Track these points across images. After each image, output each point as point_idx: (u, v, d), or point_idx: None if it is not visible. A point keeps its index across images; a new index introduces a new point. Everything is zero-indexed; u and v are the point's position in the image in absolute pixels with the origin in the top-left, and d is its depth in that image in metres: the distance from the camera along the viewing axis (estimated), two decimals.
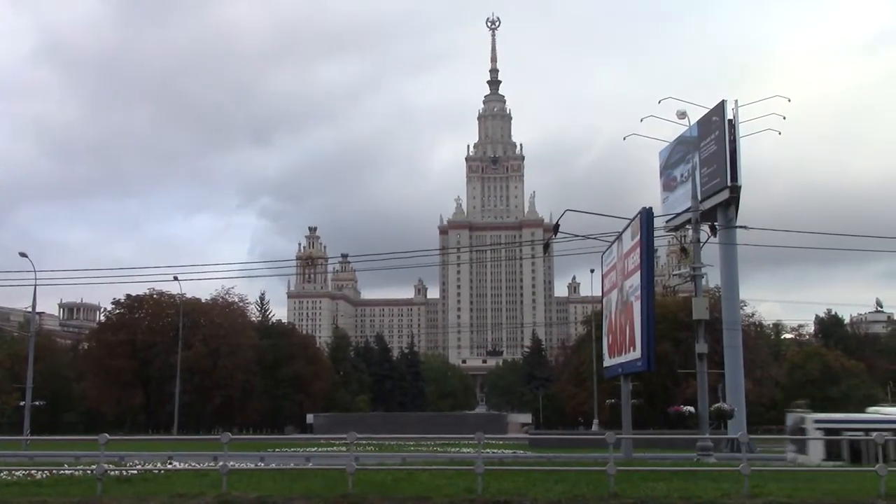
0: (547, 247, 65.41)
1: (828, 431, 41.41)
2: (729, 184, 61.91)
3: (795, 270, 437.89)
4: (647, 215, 46.53)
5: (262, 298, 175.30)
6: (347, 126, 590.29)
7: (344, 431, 30.62)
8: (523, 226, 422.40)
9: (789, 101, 62.32)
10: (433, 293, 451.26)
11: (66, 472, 31.72)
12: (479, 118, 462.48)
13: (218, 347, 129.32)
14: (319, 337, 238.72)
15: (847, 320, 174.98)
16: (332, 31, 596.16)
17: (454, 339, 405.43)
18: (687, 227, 60.56)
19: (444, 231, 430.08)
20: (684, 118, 63.03)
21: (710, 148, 63.87)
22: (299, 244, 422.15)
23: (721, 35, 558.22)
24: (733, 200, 62.83)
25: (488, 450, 53.77)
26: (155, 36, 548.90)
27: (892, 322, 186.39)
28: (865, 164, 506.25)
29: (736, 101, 62.89)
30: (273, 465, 37.03)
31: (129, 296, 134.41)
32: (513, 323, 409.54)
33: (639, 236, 46.77)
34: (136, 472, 31.76)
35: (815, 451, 42.18)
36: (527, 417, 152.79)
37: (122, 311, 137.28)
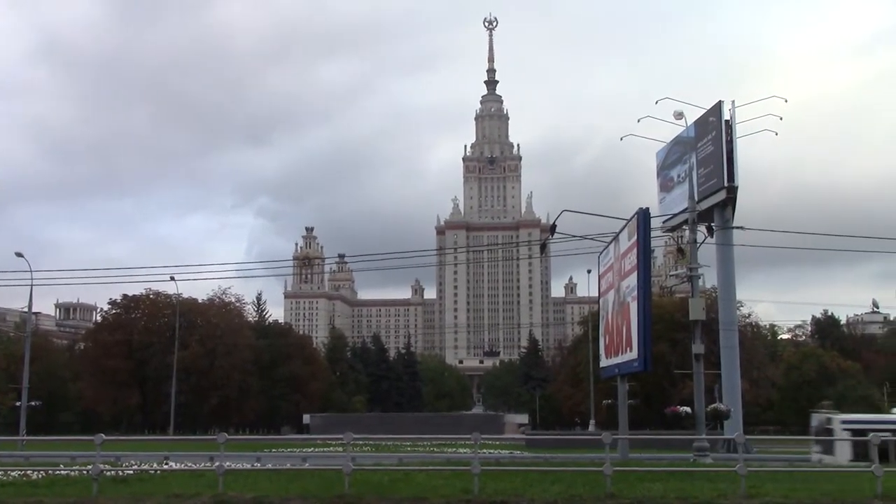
0: (544, 247, 65.31)
1: (855, 432, 41.35)
2: (726, 184, 62.04)
3: (792, 271, 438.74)
4: (643, 216, 46.51)
5: (258, 298, 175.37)
6: (344, 126, 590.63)
7: (340, 432, 30.56)
8: (520, 226, 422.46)
9: (786, 101, 62.50)
10: (430, 293, 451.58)
11: (62, 472, 31.68)
12: (476, 118, 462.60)
13: (214, 347, 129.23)
14: (316, 337, 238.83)
15: (843, 321, 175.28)
16: (329, 31, 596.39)
17: (451, 340, 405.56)
18: (684, 227, 60.62)
19: (441, 231, 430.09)
20: (681, 119, 63.21)
21: (707, 148, 63.95)
22: (296, 244, 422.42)
23: (719, 35, 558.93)
24: (730, 201, 62.93)
25: (485, 450, 53.73)
26: (152, 36, 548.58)
27: (889, 322, 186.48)
28: (862, 165, 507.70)
29: (733, 102, 63.12)
30: (269, 466, 36.99)
31: (125, 296, 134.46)
32: (509, 323, 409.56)
33: (635, 237, 46.74)
34: (132, 472, 31.72)
35: (843, 452, 42.09)
36: (523, 418, 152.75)
37: (118, 311, 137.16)
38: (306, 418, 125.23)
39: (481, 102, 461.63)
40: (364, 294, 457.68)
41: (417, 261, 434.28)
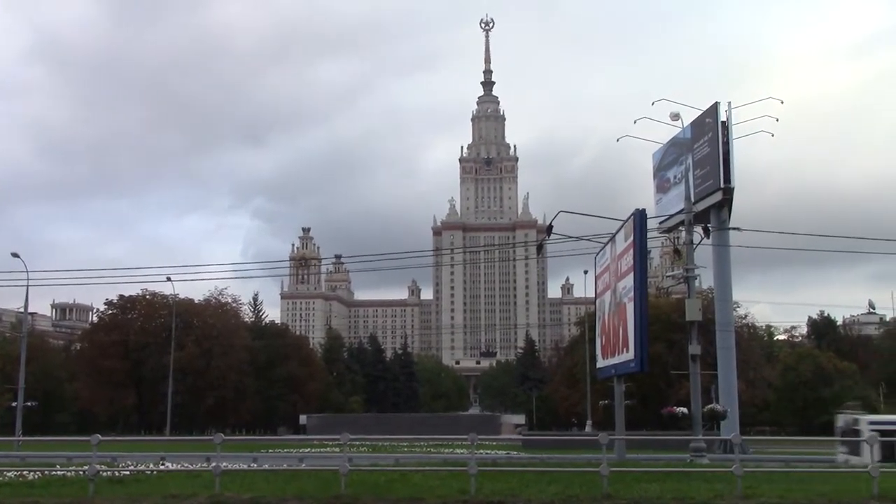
0: (540, 248, 65.49)
1: (883, 433, 41.42)
2: (722, 185, 62.08)
3: (788, 272, 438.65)
4: (640, 217, 46.58)
5: (255, 299, 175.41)
6: (341, 126, 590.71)
7: (337, 432, 30.58)
8: (517, 227, 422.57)
9: (782, 103, 62.52)
10: (427, 294, 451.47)
11: (58, 472, 31.62)
12: (472, 119, 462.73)
13: (211, 348, 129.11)
14: (313, 338, 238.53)
15: (840, 322, 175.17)
16: (326, 31, 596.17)
17: (448, 340, 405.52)
18: (680, 228, 60.64)
19: (437, 232, 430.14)
20: (677, 120, 63.13)
21: (704, 150, 64.01)
22: (293, 245, 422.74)
23: (717, 36, 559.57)
24: (726, 202, 62.98)
25: (482, 451, 53.72)
26: (150, 36, 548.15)
27: (885, 323, 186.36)
28: (860, 165, 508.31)
29: (729, 104, 63.15)
30: (266, 466, 36.96)
31: (121, 296, 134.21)
32: (506, 324, 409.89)
33: (632, 238, 46.81)
34: (128, 472, 31.67)
35: (870, 453, 42.17)
36: (520, 418, 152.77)
37: (114, 311, 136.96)
38: (303, 419, 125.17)
39: (478, 103, 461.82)
40: (361, 295, 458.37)
41: (414, 261, 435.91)
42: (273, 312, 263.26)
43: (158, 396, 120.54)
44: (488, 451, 53.30)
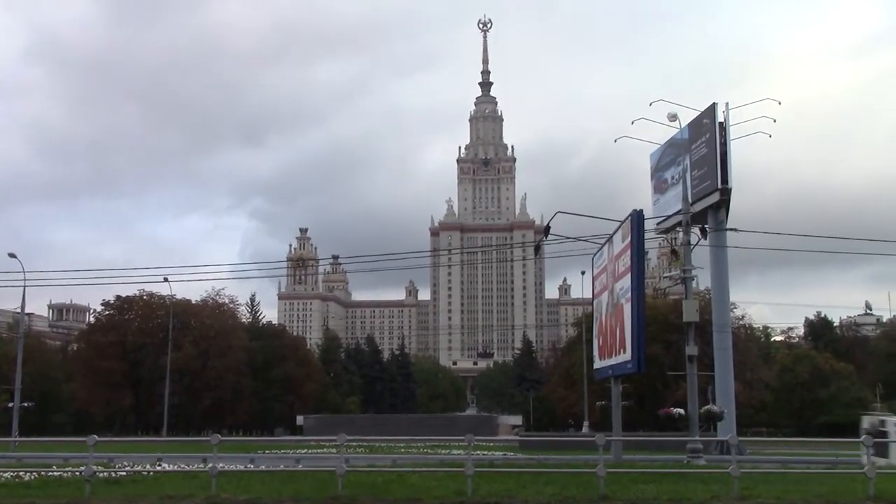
0: (538, 249, 65.51)
1: None
2: (719, 186, 62.06)
3: (785, 273, 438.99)
4: (637, 217, 46.56)
5: (252, 300, 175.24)
6: (339, 127, 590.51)
7: (334, 433, 30.56)
8: (514, 227, 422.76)
9: (780, 103, 62.51)
10: (424, 295, 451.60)
11: (55, 473, 31.57)
12: (470, 120, 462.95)
13: (208, 349, 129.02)
14: (310, 338, 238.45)
15: (837, 323, 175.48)
16: (324, 32, 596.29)
17: (445, 341, 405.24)
18: (677, 229, 60.65)
19: (435, 232, 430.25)
20: (675, 121, 63.18)
21: (701, 150, 64.00)
22: (290, 245, 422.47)
23: (715, 37, 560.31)
24: (724, 203, 62.96)
25: (478, 452, 53.69)
26: (148, 36, 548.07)
27: (882, 324, 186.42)
28: (856, 167, 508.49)
29: (727, 104, 63.10)
30: (263, 467, 36.95)
31: (118, 297, 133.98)
32: (503, 325, 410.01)
33: (629, 238, 46.79)
34: (125, 473, 31.64)
35: None
36: (517, 419, 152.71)
37: (111, 312, 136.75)
38: (300, 419, 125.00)
39: (475, 104, 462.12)
40: (358, 295, 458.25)
41: (411, 262, 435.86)
42: (270, 313, 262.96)
43: (155, 397, 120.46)
44: (485, 452, 53.27)
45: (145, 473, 32.51)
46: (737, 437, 31.55)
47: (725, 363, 62.78)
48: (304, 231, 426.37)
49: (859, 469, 27.81)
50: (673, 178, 67.65)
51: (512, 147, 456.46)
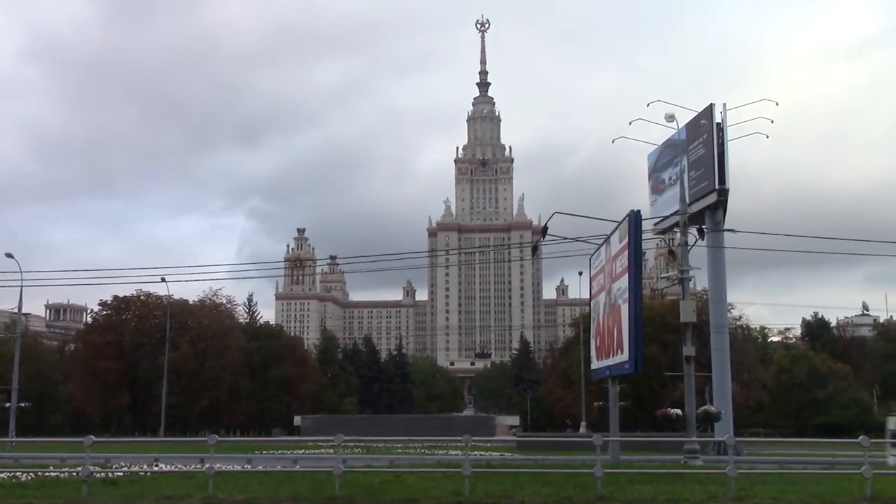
0: (535, 249, 65.47)
1: None
2: (717, 187, 62.10)
3: (782, 274, 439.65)
4: (634, 218, 46.53)
5: (249, 300, 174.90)
6: (337, 127, 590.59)
7: (331, 433, 30.57)
8: (512, 228, 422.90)
9: (777, 104, 62.63)
10: (421, 295, 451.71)
11: (52, 474, 31.56)
12: (468, 120, 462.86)
13: (205, 349, 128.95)
14: (307, 339, 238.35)
15: (833, 323, 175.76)
16: (321, 32, 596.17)
17: (442, 342, 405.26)
18: (675, 230, 60.68)
19: (432, 233, 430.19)
20: (672, 121, 63.24)
21: (699, 151, 64.05)
22: (287, 246, 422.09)
23: (712, 38, 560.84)
24: (721, 204, 63.02)
25: (476, 452, 53.66)
26: (145, 36, 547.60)
27: (879, 325, 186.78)
28: (853, 167, 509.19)
29: (724, 105, 63.18)
30: (260, 468, 36.92)
31: (116, 297, 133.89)
32: (501, 325, 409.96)
33: (627, 239, 46.77)
34: (121, 474, 31.59)
35: None
36: (514, 420, 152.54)
37: (108, 312, 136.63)
38: (297, 420, 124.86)
39: (473, 104, 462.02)
40: (355, 295, 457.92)
41: (409, 262, 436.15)
42: (268, 313, 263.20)
43: (152, 397, 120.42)
44: (482, 453, 53.25)
45: (142, 474, 32.47)
46: (734, 438, 31.51)
47: (723, 364, 62.81)
48: (301, 231, 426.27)
49: (856, 470, 27.83)
50: (670, 178, 67.70)
51: (510, 147, 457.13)
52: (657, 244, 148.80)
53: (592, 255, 58.16)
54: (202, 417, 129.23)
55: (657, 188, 70.50)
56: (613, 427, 52.41)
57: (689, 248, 54.97)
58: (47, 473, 31.58)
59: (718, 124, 62.48)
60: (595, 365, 57.80)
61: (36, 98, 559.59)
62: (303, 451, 57.18)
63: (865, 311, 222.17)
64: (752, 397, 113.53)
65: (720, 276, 65.08)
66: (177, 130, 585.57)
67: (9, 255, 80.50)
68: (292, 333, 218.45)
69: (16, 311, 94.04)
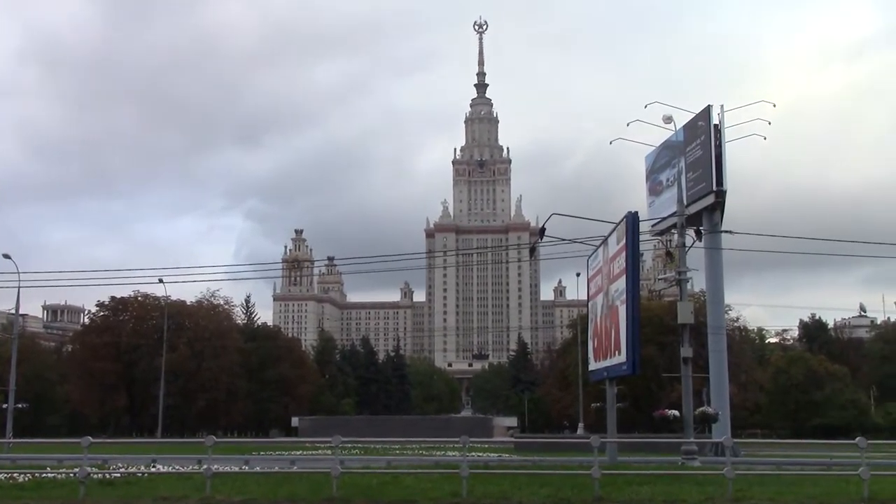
0: (533, 250, 65.35)
1: None
2: (714, 188, 62.14)
3: (780, 275, 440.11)
4: (632, 219, 46.51)
5: (247, 301, 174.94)
6: (335, 128, 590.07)
7: (329, 435, 30.55)
8: (510, 229, 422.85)
9: (774, 106, 62.68)
10: (419, 296, 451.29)
11: (49, 474, 31.53)
12: (465, 121, 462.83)
13: (203, 350, 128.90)
14: (305, 340, 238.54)
15: (831, 325, 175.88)
16: (320, 33, 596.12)
17: (440, 343, 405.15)
18: (673, 231, 60.71)
19: (430, 234, 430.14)
20: (670, 123, 63.35)
21: (696, 153, 64.10)
22: (285, 247, 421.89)
23: (711, 38, 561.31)
24: (719, 205, 63.06)
25: (473, 453, 53.65)
26: (142, 36, 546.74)
27: (876, 327, 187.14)
28: (850, 169, 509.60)
29: (722, 107, 63.20)
30: (258, 469, 36.91)
31: (113, 298, 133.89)
32: (499, 326, 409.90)
33: (624, 240, 46.75)
34: (119, 475, 31.59)
35: None
36: (512, 421, 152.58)
37: (106, 313, 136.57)
38: (295, 421, 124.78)
39: (471, 105, 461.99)
40: (353, 297, 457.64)
41: (407, 263, 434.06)
42: (265, 314, 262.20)
43: (150, 398, 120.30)
44: (480, 454, 53.28)
45: (140, 475, 32.44)
46: (731, 439, 31.54)
47: (720, 365, 62.85)
48: (299, 232, 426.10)
49: (854, 471, 27.86)
50: (668, 180, 67.75)
51: (507, 149, 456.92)
52: (655, 245, 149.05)
53: (590, 257, 58.15)
54: (200, 418, 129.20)
55: (655, 189, 70.54)
56: (611, 428, 52.41)
57: (686, 249, 54.98)
58: (44, 474, 31.56)
59: (716, 126, 62.53)
60: (593, 366, 57.77)
61: (35, 98, 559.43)
62: (300, 452, 57.16)
63: (863, 313, 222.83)
64: (750, 398, 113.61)
65: (718, 278, 65.11)
66: (176, 131, 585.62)
67: (6, 256, 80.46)
68: (290, 334, 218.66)
69: (13, 311, 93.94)
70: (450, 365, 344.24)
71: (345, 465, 30.57)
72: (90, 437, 28.63)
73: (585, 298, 63.00)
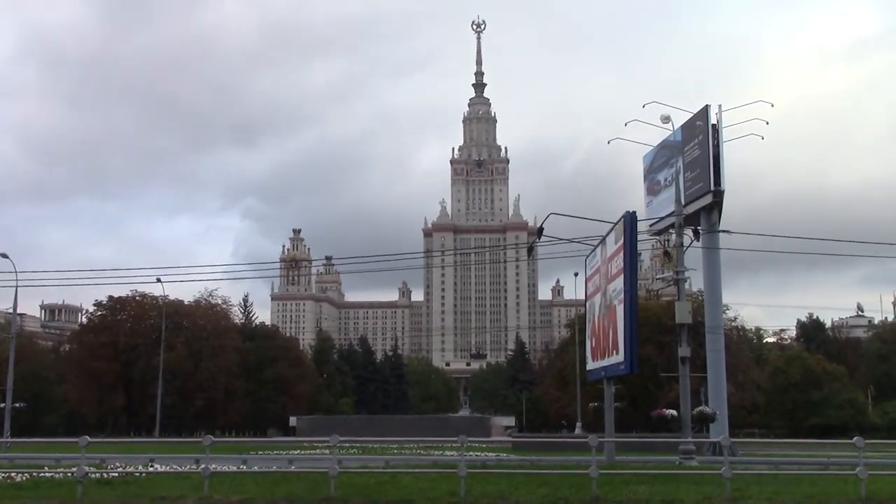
0: (531, 250, 65.41)
1: None
2: (712, 188, 62.17)
3: (778, 275, 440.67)
4: (630, 219, 46.57)
5: (245, 300, 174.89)
6: (333, 127, 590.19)
7: (327, 434, 30.54)
8: (508, 229, 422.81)
9: (772, 106, 62.68)
10: (417, 296, 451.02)
11: (47, 474, 31.49)
12: (463, 121, 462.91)
13: (200, 349, 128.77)
14: (303, 339, 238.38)
15: (828, 324, 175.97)
16: (318, 32, 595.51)
17: (438, 342, 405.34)
18: (670, 231, 60.76)
19: (428, 234, 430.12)
20: (668, 123, 63.34)
21: (694, 152, 64.12)
22: (283, 246, 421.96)
23: (710, 38, 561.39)
24: (716, 205, 63.09)
25: (471, 453, 53.64)
26: (139, 37, 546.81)
27: (874, 326, 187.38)
28: (848, 169, 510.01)
29: (720, 106, 63.24)
30: (255, 468, 36.90)
31: (111, 297, 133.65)
32: (497, 326, 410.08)
33: (622, 240, 46.80)
34: (117, 474, 31.60)
35: None
36: (510, 420, 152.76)
37: (104, 312, 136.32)
38: (293, 420, 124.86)
39: (469, 105, 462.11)
40: (351, 296, 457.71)
41: (405, 263, 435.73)
42: (263, 314, 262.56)
43: (148, 398, 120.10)
44: (478, 453, 53.28)
45: (137, 474, 32.45)
46: (729, 439, 31.60)
47: (718, 365, 62.88)
48: (297, 232, 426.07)
49: (851, 470, 27.90)
50: (666, 179, 67.78)
51: (505, 148, 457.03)
52: (653, 245, 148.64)
53: (588, 256, 58.20)
54: (197, 418, 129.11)
55: (653, 189, 70.57)
56: (609, 428, 52.47)
57: (684, 249, 55.02)
58: (42, 474, 31.52)
59: (714, 126, 62.56)
60: (591, 366, 57.84)
61: (32, 98, 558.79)
62: (298, 451, 57.16)
63: (860, 313, 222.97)
64: (748, 398, 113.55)
65: (715, 278, 65.15)
66: (174, 131, 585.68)
67: (4, 255, 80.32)
68: (288, 334, 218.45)
69: (11, 311, 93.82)
70: (448, 364, 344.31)
71: (343, 465, 30.59)
72: (88, 437, 28.61)
73: (583, 298, 63.07)
